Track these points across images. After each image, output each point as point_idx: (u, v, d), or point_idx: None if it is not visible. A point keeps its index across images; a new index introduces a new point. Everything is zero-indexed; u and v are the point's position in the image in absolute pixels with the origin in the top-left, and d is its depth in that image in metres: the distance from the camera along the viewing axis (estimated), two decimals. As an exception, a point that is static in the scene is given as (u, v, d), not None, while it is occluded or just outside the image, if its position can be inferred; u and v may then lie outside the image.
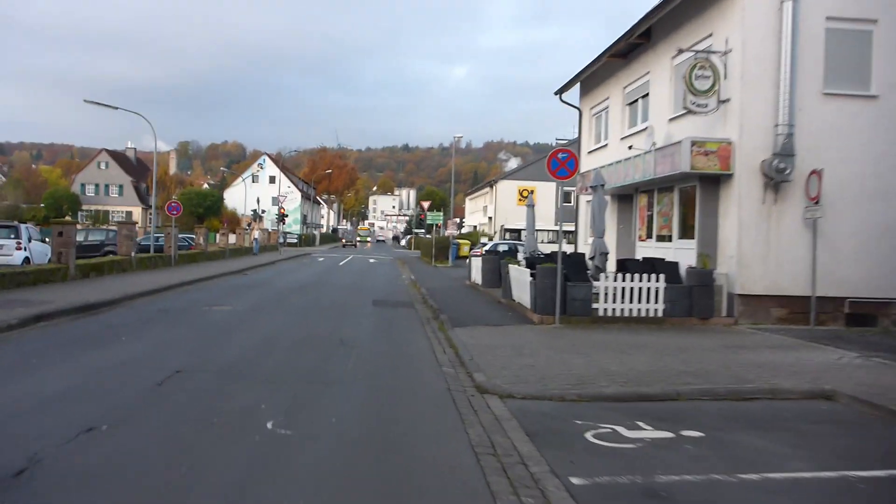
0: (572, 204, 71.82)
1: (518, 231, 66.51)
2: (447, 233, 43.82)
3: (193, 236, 38.91)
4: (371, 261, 49.01)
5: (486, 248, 32.60)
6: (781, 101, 15.34)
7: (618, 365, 10.66)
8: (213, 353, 11.11)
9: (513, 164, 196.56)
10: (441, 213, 44.37)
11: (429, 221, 44.78)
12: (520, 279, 18.18)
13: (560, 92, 27.40)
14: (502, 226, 67.39)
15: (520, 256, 26.46)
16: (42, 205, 73.12)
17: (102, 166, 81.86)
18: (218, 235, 54.30)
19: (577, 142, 67.75)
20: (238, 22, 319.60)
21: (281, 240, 63.06)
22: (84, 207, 75.58)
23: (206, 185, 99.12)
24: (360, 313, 17.59)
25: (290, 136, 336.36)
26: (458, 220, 45.98)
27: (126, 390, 8.42)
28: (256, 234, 43.84)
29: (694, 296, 15.73)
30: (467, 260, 33.47)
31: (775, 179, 15.50)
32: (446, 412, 8.06)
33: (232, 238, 60.58)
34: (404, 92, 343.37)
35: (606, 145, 24.78)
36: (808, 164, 15.54)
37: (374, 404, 8.37)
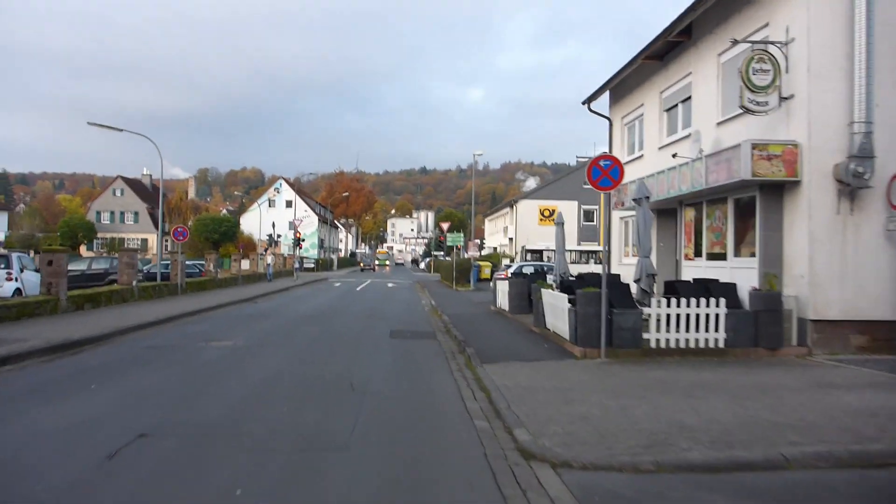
0: (594, 222, 69.61)
1: (539, 252, 64.35)
2: (468, 255, 41.69)
3: (204, 262, 37.09)
4: (389, 285, 47.03)
5: (511, 269, 30.47)
6: (857, 96, 13.20)
7: (692, 415, 8.51)
8: (193, 407, 9.09)
9: (531, 183, 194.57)
10: (461, 235, 42.44)
11: (449, 243, 42.80)
12: (556, 306, 16.06)
13: (588, 101, 25.39)
14: (523, 247, 65.39)
15: (549, 279, 24.39)
16: (58, 233, 72.03)
17: (118, 193, 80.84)
18: (232, 261, 52.69)
19: (587, 162, 65.91)
20: (258, 49, 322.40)
21: (297, 265, 61.24)
22: (99, 235, 74.42)
23: (224, 211, 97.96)
24: (376, 347, 15.55)
25: (308, 161, 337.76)
26: (478, 241, 43.79)
27: (59, 469, 6.39)
28: (269, 259, 42.10)
29: (759, 322, 13.51)
30: (491, 283, 31.39)
31: (852, 185, 13.33)
32: (485, 493, 5.96)
33: (246, 264, 58.97)
34: (422, 114, 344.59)
35: (642, 156, 22.69)
36: (890, 166, 13.38)
37: (388, 484, 6.27)
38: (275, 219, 74.83)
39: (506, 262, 64.06)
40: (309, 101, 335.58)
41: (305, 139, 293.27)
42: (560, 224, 23.85)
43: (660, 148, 20.92)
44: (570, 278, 22.56)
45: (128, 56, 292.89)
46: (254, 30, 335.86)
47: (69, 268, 31.05)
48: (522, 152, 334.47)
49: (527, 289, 21.69)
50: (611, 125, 25.87)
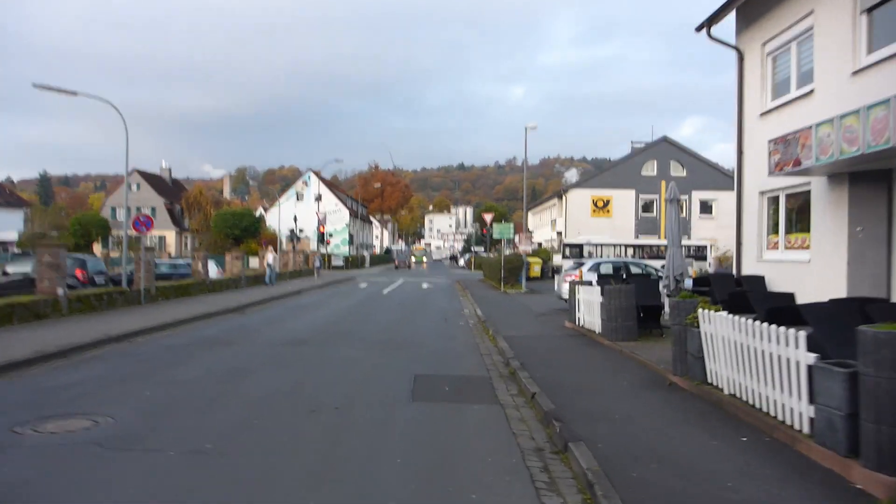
0: (654, 214, 60.68)
1: (579, 246, 54.96)
2: (520, 249, 33.47)
3: (191, 262, 29.43)
4: (424, 286, 39.02)
5: (585, 267, 22.24)
6: None
7: None
8: None
9: (573, 175, 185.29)
10: (510, 226, 34.43)
11: (496, 236, 34.70)
12: (760, 353, 7.71)
13: (707, 26, 16.94)
14: (562, 241, 56.19)
15: (660, 286, 16.26)
16: (70, 231, 65.58)
17: (134, 188, 74.23)
18: (259, 258, 45.28)
19: (644, 147, 55.70)
20: (300, 49, 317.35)
21: (318, 263, 53.52)
22: (114, 233, 67.87)
23: (260, 210, 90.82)
24: (381, 427, 7.61)
25: (347, 160, 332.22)
26: (531, 232, 35.50)
27: None
28: (270, 258, 34.27)
29: None
30: (558, 285, 23.21)
31: None
32: None
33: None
34: (462, 112, 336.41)
35: (811, 93, 14.19)
36: None
37: None
38: (303, 213, 67.56)
39: (560, 259, 55.52)
40: (350, 101, 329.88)
41: (346, 139, 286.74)
42: (673, 201, 15.59)
43: (854, 73, 12.47)
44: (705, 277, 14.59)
45: (173, 60, 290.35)
46: (297, 31, 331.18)
47: (7, 270, 23.79)
48: (562, 148, 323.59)
49: (634, 300, 13.45)
50: (741, 59, 17.38)
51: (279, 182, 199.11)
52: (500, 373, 11.28)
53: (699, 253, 56.44)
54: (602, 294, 13.95)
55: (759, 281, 15.80)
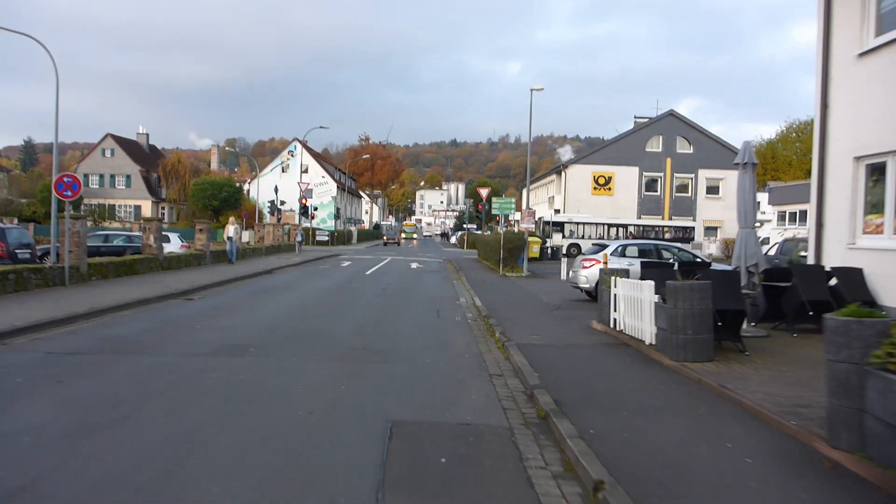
0: (658, 193, 56.60)
1: (560, 224, 50.45)
2: (522, 227, 29.33)
3: (141, 234, 25.05)
4: (413, 266, 34.87)
5: (609, 250, 18.14)
6: None
7: None
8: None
9: (567, 153, 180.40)
10: (512, 201, 30.29)
11: (495, 211, 30.45)
12: None
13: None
14: (540, 218, 51.48)
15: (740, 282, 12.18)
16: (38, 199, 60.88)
17: (107, 154, 69.22)
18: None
19: (649, 122, 52.27)
20: (297, 21, 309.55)
21: (299, 238, 49.24)
22: (85, 201, 63.19)
23: (248, 182, 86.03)
24: None
25: (339, 135, 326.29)
26: (533, 209, 31.27)
27: None
28: (231, 231, 29.69)
29: None
30: (573, 271, 19.07)
31: None
32: None
33: (247, 236, 47.20)
34: (458, 88, 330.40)
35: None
36: None
37: None
38: (289, 185, 63.04)
39: (560, 238, 51.30)
40: (344, 74, 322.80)
41: (340, 112, 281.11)
42: (748, 165, 11.49)
43: None
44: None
45: (165, 28, 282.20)
46: (292, 1, 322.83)
47: None
48: (555, 126, 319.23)
49: (710, 303, 9.28)
50: (829, -18, 13.21)
51: (269, 154, 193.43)
52: (524, 416, 7.20)
53: (686, 234, 52.37)
54: (662, 292, 9.78)
55: (855, 275, 11.78)
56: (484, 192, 44.82)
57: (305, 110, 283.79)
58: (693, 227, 52.10)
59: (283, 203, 49.53)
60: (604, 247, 18.69)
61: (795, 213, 37.64)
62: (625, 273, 12.51)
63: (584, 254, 19.17)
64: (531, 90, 29.40)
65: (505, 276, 27.95)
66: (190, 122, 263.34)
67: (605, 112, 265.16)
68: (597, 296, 17.54)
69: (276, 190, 48.87)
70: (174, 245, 30.73)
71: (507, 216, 30.87)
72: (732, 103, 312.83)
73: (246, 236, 48.77)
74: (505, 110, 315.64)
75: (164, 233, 34.02)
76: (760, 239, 45.27)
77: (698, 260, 18.15)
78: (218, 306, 16.25)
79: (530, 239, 35.12)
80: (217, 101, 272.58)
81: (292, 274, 27.59)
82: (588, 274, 17.97)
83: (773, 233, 41.53)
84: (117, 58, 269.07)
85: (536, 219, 48.58)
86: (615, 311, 12.33)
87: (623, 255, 18.05)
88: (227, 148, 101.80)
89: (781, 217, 39.23)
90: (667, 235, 51.85)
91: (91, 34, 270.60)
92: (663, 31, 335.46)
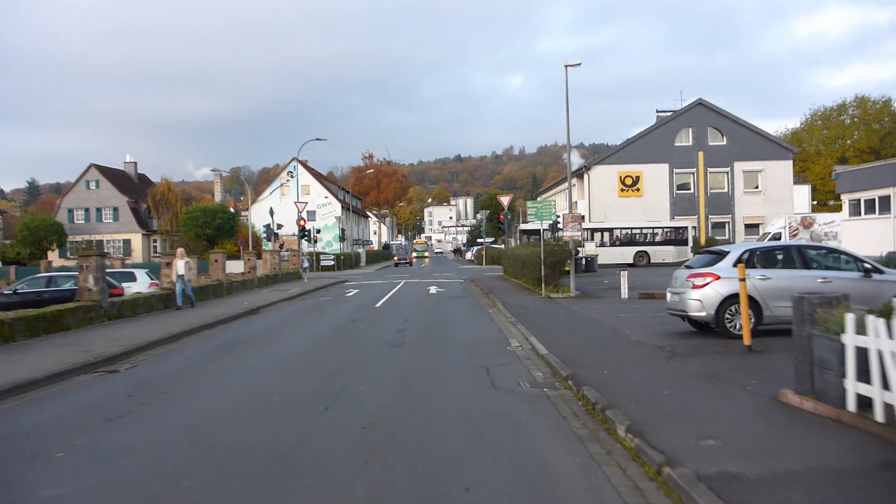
0: (692, 191, 50.41)
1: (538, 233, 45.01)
2: (565, 237, 23.15)
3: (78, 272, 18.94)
4: (432, 290, 28.72)
5: (730, 259, 11.90)
6: None
7: None
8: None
9: (575, 158, 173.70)
10: (552, 205, 24.04)
11: (532, 217, 24.18)
12: None
13: None
14: (516, 226, 45.40)
15: None
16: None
17: (92, 186, 63.39)
18: (212, 263, 35.26)
19: (676, 114, 45.87)
20: (298, 48, 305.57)
21: (305, 264, 43.37)
22: (70, 238, 57.48)
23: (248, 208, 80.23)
24: None
25: (344, 157, 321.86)
26: (581, 214, 24.94)
27: None
28: (180, 266, 23.07)
29: None
30: (679, 294, 12.73)
31: None
32: None
33: (240, 266, 41.29)
34: (460, 104, 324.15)
35: None
36: None
37: None
38: (288, 208, 57.15)
39: (594, 247, 45.06)
40: (347, 99, 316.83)
41: (343, 136, 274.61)
42: None
43: None
44: None
45: (171, 66, 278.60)
46: (294, 30, 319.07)
47: None
48: (559, 135, 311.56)
49: None
50: None
51: (273, 181, 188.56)
52: None
53: (678, 235, 45.89)
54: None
55: None
56: (505, 199, 38.79)
57: (309, 136, 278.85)
58: (686, 228, 46.12)
59: (280, 227, 43.55)
60: (718, 255, 12.50)
61: (873, 200, 31.34)
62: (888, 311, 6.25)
63: (690, 265, 12.96)
64: (566, 66, 23.35)
65: (550, 299, 21.80)
66: (194, 155, 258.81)
67: (609, 118, 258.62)
68: (718, 326, 11.47)
69: (271, 212, 42.89)
70: (142, 284, 24.79)
71: (554, 223, 24.70)
72: (736, 101, 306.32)
73: (239, 267, 42.86)
74: (508, 123, 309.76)
75: (129, 269, 28.17)
76: (770, 235, 38.81)
77: (873, 267, 11.98)
78: (142, 385, 10.12)
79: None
80: (220, 133, 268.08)
81: (283, 312, 21.50)
82: (704, 296, 11.81)
83: (843, 226, 35.25)
84: (121, 96, 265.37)
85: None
86: (875, 380, 6.11)
87: (752, 265, 11.87)
88: (222, 173, 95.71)
89: (854, 207, 32.92)
90: (657, 238, 45.78)
91: (94, 74, 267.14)
92: (662, 33, 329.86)
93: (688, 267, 12.92)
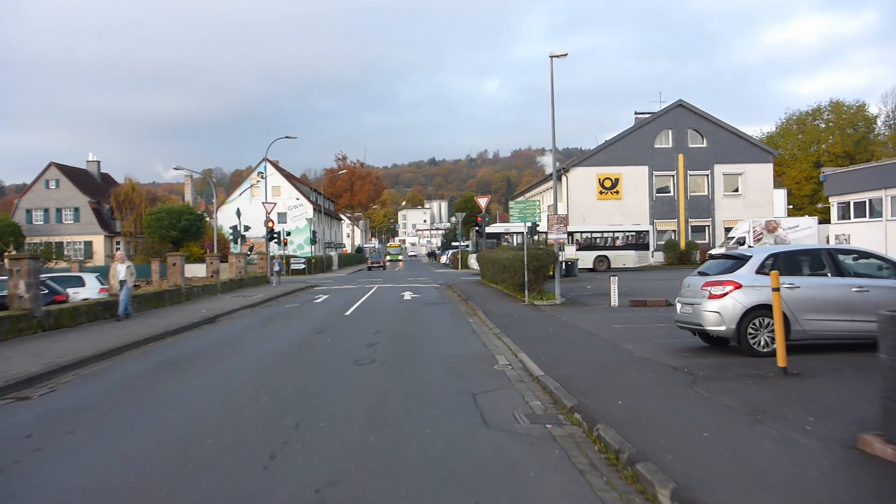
0: (672, 194, 49.20)
1: (496, 235, 43.78)
2: (550, 239, 21.44)
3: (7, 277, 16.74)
4: (407, 296, 26.87)
5: (754, 265, 10.23)
6: None
7: None
8: None
9: (549, 162, 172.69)
10: (535, 205, 22.29)
11: (518, 218, 22.37)
12: None
13: None
14: (473, 227, 43.72)
15: None
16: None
17: (52, 185, 60.41)
18: (170, 267, 33.28)
19: (656, 115, 44.87)
20: (273, 49, 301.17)
21: (276, 267, 41.37)
22: (29, 240, 54.58)
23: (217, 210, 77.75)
24: None
25: (320, 159, 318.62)
26: (564, 214, 23.12)
27: None
28: (121, 271, 20.88)
29: None
30: (692, 304, 10.96)
31: None
32: None
33: (203, 269, 39.15)
34: (436, 108, 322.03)
35: None
36: None
37: None
38: (258, 210, 54.87)
39: (574, 251, 43.44)
40: (322, 100, 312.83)
41: (318, 138, 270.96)
42: None
43: None
44: None
45: (143, 65, 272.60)
46: (269, 32, 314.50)
47: None
48: (533, 139, 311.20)
49: None
50: None
51: (244, 182, 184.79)
52: None
53: (639, 240, 44.43)
54: None
55: None
56: (483, 200, 37.20)
57: (285, 138, 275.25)
58: (647, 232, 44.89)
59: (247, 229, 41.34)
60: (738, 260, 10.83)
61: (864, 203, 30.16)
62: None
63: (704, 271, 11.26)
64: (551, 57, 21.71)
65: (534, 307, 20.08)
66: (165, 157, 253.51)
67: (583, 123, 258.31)
68: (739, 342, 9.87)
69: (238, 214, 40.66)
70: (91, 289, 22.66)
71: (534, 225, 22.88)
72: (710, 107, 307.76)
73: (201, 271, 40.68)
74: (483, 127, 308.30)
75: (78, 274, 25.97)
76: (734, 239, 37.64)
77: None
78: (50, 420, 8.14)
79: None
80: (192, 134, 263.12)
81: (243, 321, 19.50)
82: (723, 307, 10.15)
83: (832, 229, 34.09)
84: (94, 96, 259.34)
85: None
86: None
87: (777, 272, 10.23)
88: (193, 175, 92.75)
89: (843, 210, 31.73)
90: (618, 242, 44.48)
91: (65, 72, 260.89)
92: (637, 41, 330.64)
93: (702, 273, 11.22)
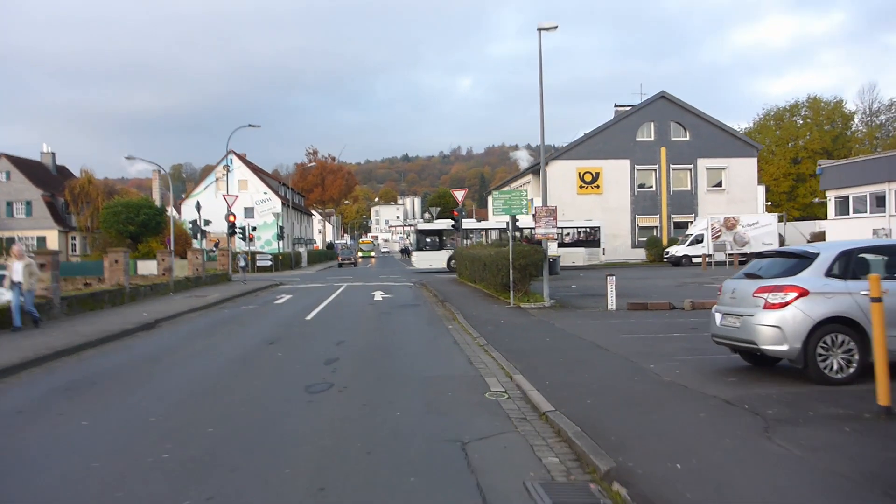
0: (654, 188, 47.10)
1: (437, 232, 42.09)
2: (538, 234, 18.96)
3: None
4: (377, 297, 24.27)
5: (820, 266, 7.80)
6: None
7: None
8: None
9: (524, 156, 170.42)
10: (522, 195, 19.71)
11: (501, 210, 19.82)
12: None
13: None
14: (414, 224, 41.70)
15: None
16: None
17: (2, 178, 56.54)
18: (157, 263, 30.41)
19: (638, 107, 42.99)
20: (247, 43, 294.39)
21: (242, 263, 38.54)
22: (-43, 236, 50.85)
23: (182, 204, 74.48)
24: None
25: (293, 155, 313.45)
26: (554, 207, 20.62)
27: None
28: (17, 268, 18.20)
29: None
30: (721, 311, 8.40)
31: None
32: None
33: (151, 266, 36.10)
34: (411, 105, 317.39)
35: None
36: None
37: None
38: (225, 204, 51.62)
39: (556, 247, 41.17)
40: (297, 97, 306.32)
41: (291, 134, 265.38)
42: None
43: None
44: None
45: (111, 58, 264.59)
46: (243, 25, 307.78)
47: None
48: (506, 136, 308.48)
49: None
50: None
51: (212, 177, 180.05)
52: None
53: (589, 236, 42.41)
54: None
55: None
56: (460, 193, 34.60)
57: (255, 133, 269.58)
58: (599, 228, 42.88)
59: (208, 223, 38.40)
60: (801, 258, 8.40)
61: (864, 197, 28.17)
62: None
63: (754, 273, 8.78)
64: (539, 29, 19.17)
65: (522, 310, 17.61)
66: (134, 152, 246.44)
67: (557, 121, 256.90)
68: (806, 366, 7.47)
69: (198, 207, 37.62)
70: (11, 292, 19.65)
71: (513, 219, 20.40)
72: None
73: (153, 268, 37.61)
74: (457, 124, 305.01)
75: None
76: (692, 237, 35.68)
77: None
78: None
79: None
80: (162, 129, 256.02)
81: (187, 327, 16.75)
82: (783, 321, 7.73)
83: (826, 226, 32.15)
84: (63, 89, 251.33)
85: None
86: None
87: (852, 273, 7.86)
88: (161, 170, 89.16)
89: (842, 205, 29.75)
90: (567, 239, 42.43)
91: (32, 65, 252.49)
92: (611, 40, 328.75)
93: (751, 276, 8.78)
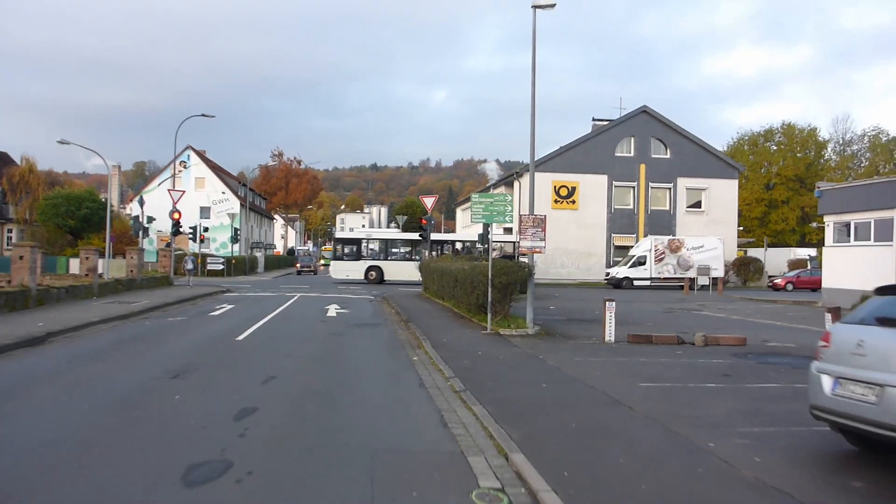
0: (631, 206, 44.27)
1: (356, 242, 40.34)
2: (524, 247, 15.76)
3: None
4: (331, 312, 20.88)
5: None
6: None
7: None
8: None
9: (493, 169, 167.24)
10: (507, 200, 16.65)
11: (480, 218, 16.67)
12: None
13: None
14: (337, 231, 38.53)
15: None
16: None
17: (-65, 165, 51.57)
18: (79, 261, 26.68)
19: (618, 121, 40.01)
20: (219, 43, 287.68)
21: (189, 265, 34.90)
22: None
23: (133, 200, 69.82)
24: None
25: (260, 159, 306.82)
26: (543, 216, 17.53)
27: None
28: None
29: None
30: (826, 374, 5.50)
31: None
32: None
33: (101, 264, 32.18)
34: (383, 114, 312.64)
35: None
36: None
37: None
38: (182, 202, 47.46)
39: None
40: (268, 101, 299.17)
41: (260, 137, 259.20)
42: None
43: None
44: None
45: (91, 54, 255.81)
46: (221, 28, 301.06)
47: None
48: (476, 150, 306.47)
49: None
50: None
51: (174, 174, 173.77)
52: None
53: (504, 255, 37.68)
54: None
55: None
56: (429, 200, 31.41)
57: (223, 134, 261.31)
58: (515, 243, 39.93)
59: (151, 220, 34.53)
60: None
61: (868, 223, 25.71)
62: None
63: (888, 318, 5.77)
64: (534, 7, 16.13)
65: (502, 338, 14.44)
66: (99, 148, 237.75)
67: (526, 137, 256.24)
68: None
69: (141, 203, 33.77)
70: None
71: (485, 229, 17.21)
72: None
73: (116, 266, 33.64)
74: (427, 136, 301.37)
75: None
76: (634, 258, 32.72)
77: None
78: None
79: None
80: (130, 126, 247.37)
81: (81, 345, 13.15)
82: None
83: (831, 252, 29.72)
84: (28, 82, 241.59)
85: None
86: None
87: None
88: (120, 166, 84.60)
89: (842, 232, 27.27)
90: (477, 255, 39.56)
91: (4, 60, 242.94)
92: (584, 60, 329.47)
93: (885, 322, 5.69)
